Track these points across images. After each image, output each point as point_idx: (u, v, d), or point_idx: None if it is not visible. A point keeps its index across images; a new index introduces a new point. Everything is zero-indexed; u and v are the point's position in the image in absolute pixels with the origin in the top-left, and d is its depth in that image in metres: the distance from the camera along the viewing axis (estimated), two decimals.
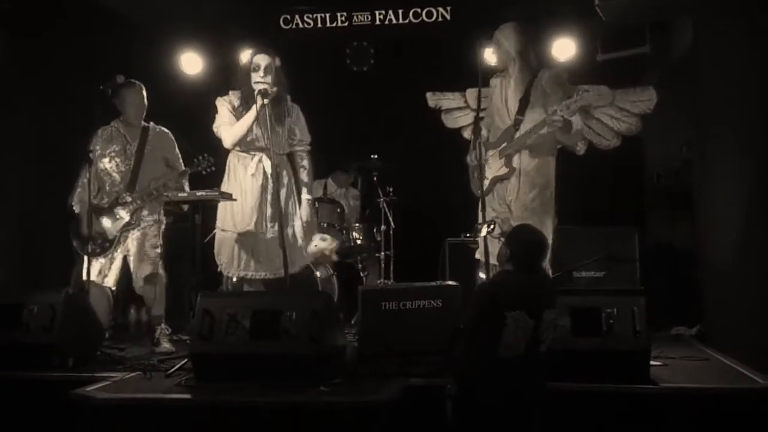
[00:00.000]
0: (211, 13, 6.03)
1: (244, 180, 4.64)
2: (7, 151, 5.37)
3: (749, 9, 4.19)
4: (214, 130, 4.72)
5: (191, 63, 6.21)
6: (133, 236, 4.83)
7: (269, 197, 4.62)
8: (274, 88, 4.55)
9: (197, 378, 3.69)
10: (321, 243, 5.44)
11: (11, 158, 5.39)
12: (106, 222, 4.79)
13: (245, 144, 4.66)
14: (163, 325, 4.71)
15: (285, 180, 4.70)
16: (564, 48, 5.83)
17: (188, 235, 5.10)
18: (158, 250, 4.87)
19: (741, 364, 3.94)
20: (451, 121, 5.55)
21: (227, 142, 4.67)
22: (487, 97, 4.81)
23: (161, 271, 4.87)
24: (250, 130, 4.59)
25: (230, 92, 4.74)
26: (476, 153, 4.58)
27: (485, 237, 4.21)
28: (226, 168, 4.76)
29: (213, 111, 4.76)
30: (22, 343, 3.99)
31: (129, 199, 4.79)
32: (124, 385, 3.70)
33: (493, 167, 4.61)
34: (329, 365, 3.64)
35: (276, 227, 4.56)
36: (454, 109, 5.56)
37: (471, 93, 5.38)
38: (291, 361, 3.56)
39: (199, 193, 4.58)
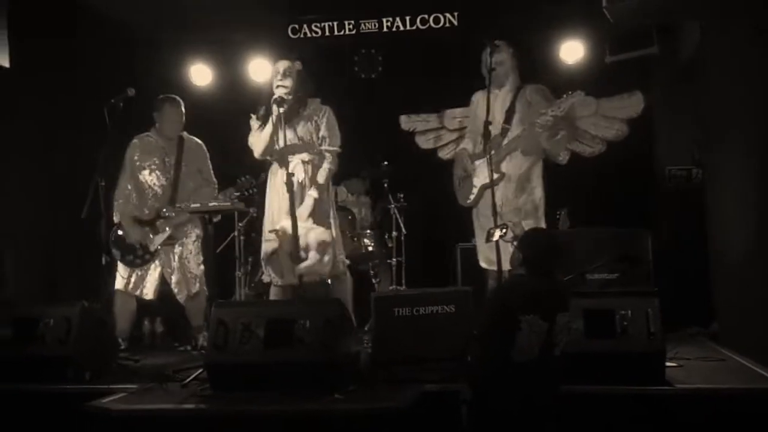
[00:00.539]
0: (220, 24, 6.06)
1: (281, 187, 4.69)
2: (20, 163, 5.41)
3: (755, 11, 4.18)
4: (249, 144, 4.87)
5: (201, 74, 6.25)
6: (175, 252, 4.92)
7: (301, 201, 4.68)
8: (289, 97, 4.58)
9: (212, 388, 3.70)
10: None
11: (24, 170, 5.44)
12: (148, 234, 4.86)
13: (277, 152, 4.73)
14: (205, 333, 4.73)
15: (315, 188, 4.75)
16: (572, 51, 5.83)
17: (202, 245, 5.15)
18: (202, 267, 5.00)
19: (757, 364, 3.92)
20: (425, 143, 5.66)
21: (255, 153, 4.82)
22: (468, 116, 5.21)
23: (204, 286, 4.96)
24: (277, 138, 4.64)
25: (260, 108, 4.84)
26: (464, 162, 4.78)
27: (497, 241, 4.22)
28: (267, 179, 4.86)
29: (237, 127, 4.94)
30: (38, 355, 4.01)
31: (173, 213, 4.87)
32: (139, 396, 3.72)
33: (481, 176, 4.86)
34: (343, 372, 3.65)
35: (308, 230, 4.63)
36: (429, 131, 5.65)
37: (449, 114, 5.54)
38: (305, 369, 3.57)
39: (211, 204, 4.62)
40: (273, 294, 4.79)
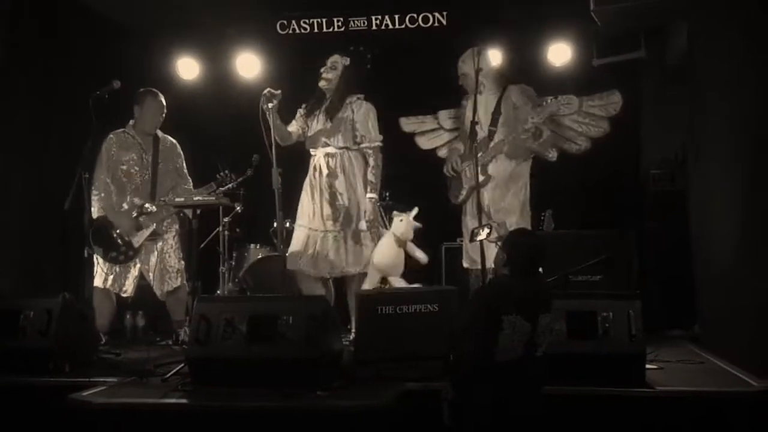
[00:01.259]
0: (208, 19, 6.03)
1: (311, 177, 4.92)
2: (4, 153, 5.37)
3: (743, 13, 4.21)
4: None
5: (188, 68, 6.22)
6: (155, 248, 4.91)
7: (327, 195, 4.79)
8: (279, 93, 4.58)
9: (194, 382, 3.69)
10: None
11: (11, 161, 5.39)
12: (131, 231, 4.82)
13: (310, 141, 4.94)
14: (186, 327, 4.74)
15: (342, 177, 4.84)
16: (560, 53, 5.84)
17: (185, 240, 5.13)
18: (183, 262, 4.99)
19: (736, 367, 3.96)
20: (425, 143, 5.73)
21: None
22: (459, 117, 5.41)
23: (185, 281, 4.96)
24: (308, 128, 4.92)
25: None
26: (453, 161, 4.92)
27: (482, 242, 4.24)
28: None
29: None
30: (18, 348, 4.00)
31: (154, 209, 4.85)
32: (120, 390, 3.70)
33: (470, 177, 5.02)
34: (326, 370, 3.65)
35: (336, 226, 4.79)
36: (428, 132, 5.73)
37: (443, 114, 5.68)
38: (288, 365, 3.57)
39: (197, 198, 4.61)
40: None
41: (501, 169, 5.04)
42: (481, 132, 4.95)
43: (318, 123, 4.94)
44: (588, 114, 5.22)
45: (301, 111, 5.05)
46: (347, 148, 4.90)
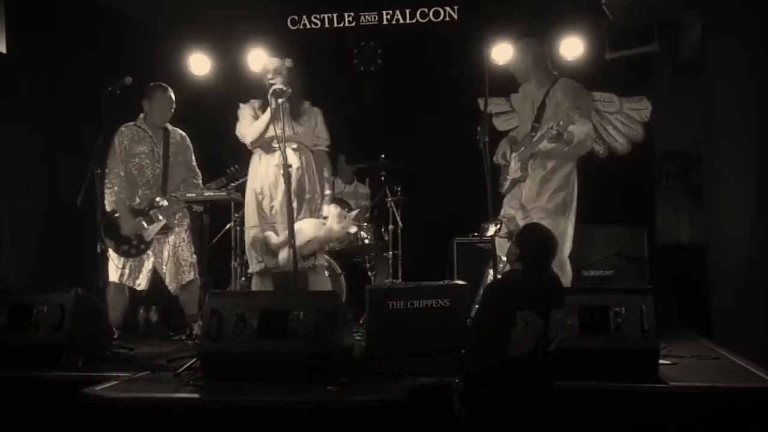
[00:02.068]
0: (219, 14, 6.04)
1: (268, 175, 4.76)
2: (16, 149, 5.40)
3: (755, 8, 4.17)
4: (237, 134, 4.88)
5: (199, 64, 6.23)
6: (167, 241, 4.93)
7: (296, 188, 4.71)
8: (288, 89, 4.59)
9: (206, 377, 3.70)
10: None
11: (20, 157, 5.43)
12: (143, 224, 4.84)
13: (266, 144, 4.79)
14: (199, 322, 4.73)
15: (309, 174, 4.82)
16: (572, 47, 5.81)
17: (197, 235, 5.15)
18: (195, 256, 5.00)
19: (751, 362, 3.92)
20: (501, 124, 5.71)
21: (247, 139, 4.82)
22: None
23: (197, 275, 4.97)
24: (269, 129, 4.70)
25: (251, 100, 4.89)
26: (505, 150, 4.90)
27: (493, 236, 4.22)
28: (250, 167, 4.87)
29: (235, 117, 4.90)
30: (31, 342, 4.02)
31: (166, 203, 4.86)
32: (133, 384, 3.71)
33: (513, 170, 4.92)
34: (337, 364, 3.64)
35: (302, 217, 4.71)
36: (503, 113, 5.69)
37: (514, 97, 5.50)
38: (299, 360, 3.57)
39: (207, 194, 4.62)
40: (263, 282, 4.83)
41: (539, 167, 4.78)
42: (526, 126, 4.87)
43: (283, 125, 4.69)
44: (628, 116, 5.12)
45: (248, 113, 4.88)
46: (308, 147, 4.89)
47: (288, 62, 4.79)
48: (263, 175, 4.78)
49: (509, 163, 5.00)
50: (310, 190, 4.84)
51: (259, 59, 6.05)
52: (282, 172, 4.52)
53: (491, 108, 5.67)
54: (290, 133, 4.74)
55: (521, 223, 4.54)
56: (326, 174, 4.99)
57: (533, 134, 4.81)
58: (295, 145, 4.78)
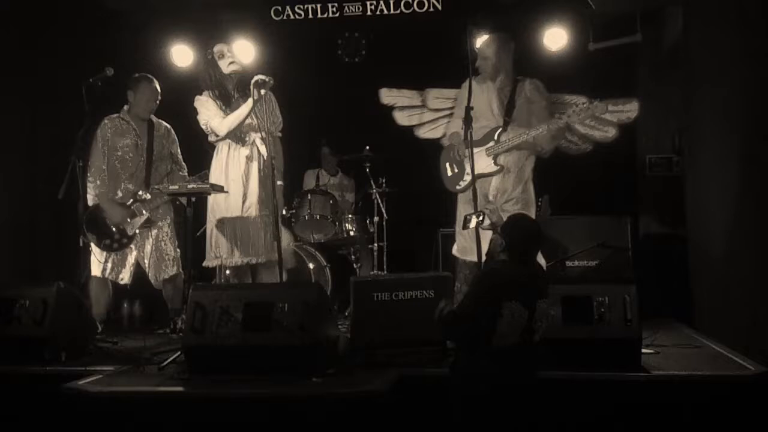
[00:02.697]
0: (202, 5, 6.00)
1: (237, 166, 4.72)
2: None
3: None
4: (203, 125, 4.81)
5: (182, 55, 6.18)
6: (150, 235, 4.89)
7: (263, 180, 4.69)
8: (271, 79, 4.56)
9: (190, 371, 3.69)
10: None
11: (1, 148, 5.37)
12: (126, 218, 4.80)
13: (235, 135, 4.73)
14: (183, 316, 4.71)
15: (276, 162, 4.78)
16: (556, 38, 5.82)
17: (180, 228, 5.12)
18: (179, 250, 4.97)
19: (732, 351, 3.96)
20: (403, 119, 5.60)
21: (221, 131, 4.75)
22: (456, 99, 5.20)
23: (181, 269, 4.94)
24: (258, 122, 4.67)
25: (204, 92, 4.82)
26: (458, 148, 4.86)
27: (476, 228, 4.22)
28: (216, 157, 4.80)
29: (194, 110, 4.84)
30: (14, 336, 3.98)
31: (149, 196, 4.83)
32: (116, 378, 3.70)
33: (478, 165, 4.79)
34: (322, 356, 3.64)
35: (265, 211, 4.70)
36: (408, 107, 5.60)
37: (432, 92, 5.51)
38: (284, 352, 3.57)
39: (190, 186, 4.59)
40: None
41: (514, 160, 4.89)
42: (493, 122, 4.87)
43: (253, 115, 4.72)
44: (598, 118, 5.09)
45: (211, 103, 4.81)
46: (270, 135, 4.84)
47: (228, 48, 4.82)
48: (234, 166, 4.73)
49: (463, 160, 4.97)
50: (279, 179, 4.84)
51: (243, 50, 6.03)
52: (257, 162, 4.54)
53: (396, 101, 5.62)
54: (251, 122, 4.71)
55: (503, 215, 4.57)
56: (280, 164, 4.91)
57: (505, 129, 4.85)
58: (262, 134, 4.72)
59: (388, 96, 5.56)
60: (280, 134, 4.98)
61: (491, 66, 4.91)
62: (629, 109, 5.07)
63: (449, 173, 5.11)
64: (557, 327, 3.54)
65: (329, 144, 6.57)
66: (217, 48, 4.82)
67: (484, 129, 4.85)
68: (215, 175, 4.76)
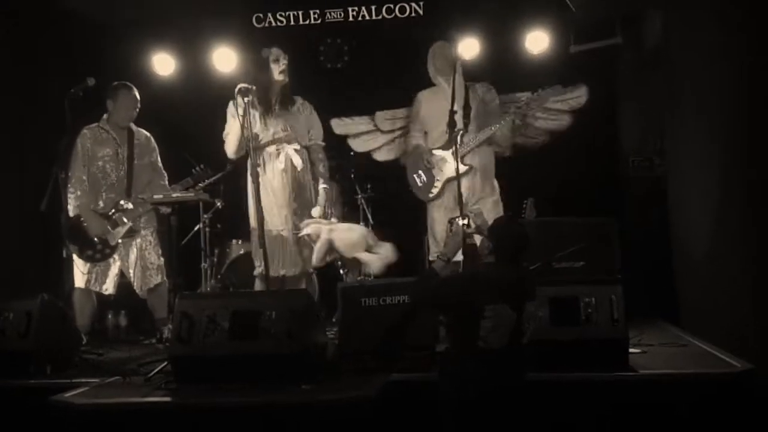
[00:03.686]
0: (183, 13, 5.98)
1: (274, 177, 4.75)
2: None
3: (716, 1, 4.24)
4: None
5: (164, 64, 6.16)
6: (134, 244, 4.85)
7: (296, 191, 4.78)
8: (253, 87, 4.55)
9: (177, 381, 3.66)
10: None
11: None
12: (108, 228, 4.76)
13: (265, 142, 4.77)
14: (169, 325, 4.68)
15: (308, 172, 4.89)
16: (537, 40, 5.85)
17: (165, 237, 5.09)
18: (162, 258, 4.93)
19: (718, 348, 3.99)
20: (359, 145, 5.68)
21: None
22: (411, 115, 5.37)
23: (165, 278, 4.92)
24: (266, 127, 4.72)
25: (238, 98, 4.65)
26: (426, 157, 4.96)
27: (462, 231, 4.22)
28: (251, 168, 4.66)
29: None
30: None
31: (130, 205, 4.79)
32: (103, 390, 3.67)
33: (447, 169, 4.96)
34: (310, 363, 3.63)
35: (290, 224, 4.77)
36: (363, 134, 5.68)
37: (381, 115, 5.61)
38: (271, 360, 3.55)
39: (175, 195, 4.57)
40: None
41: (480, 159, 5.10)
42: (452, 127, 4.94)
43: (279, 125, 4.79)
44: (548, 109, 5.24)
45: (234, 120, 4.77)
46: (303, 147, 4.92)
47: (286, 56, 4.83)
48: (270, 176, 4.76)
49: (431, 168, 5.12)
50: (311, 188, 4.89)
51: (224, 58, 6.02)
52: (291, 172, 4.63)
53: (349, 129, 5.72)
54: (287, 133, 4.78)
55: (489, 217, 4.60)
56: (321, 169, 4.96)
57: (466, 130, 4.96)
58: (297, 146, 4.81)
59: (339, 126, 5.67)
60: (322, 143, 5.01)
61: (443, 70, 5.09)
62: (578, 95, 5.18)
63: (419, 183, 5.26)
64: (545, 328, 3.55)
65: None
66: (274, 51, 4.81)
67: (445, 135, 4.93)
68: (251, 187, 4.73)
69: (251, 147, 4.45)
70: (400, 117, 5.48)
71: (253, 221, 4.75)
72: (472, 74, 5.30)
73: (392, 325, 3.49)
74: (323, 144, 5.03)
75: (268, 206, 4.67)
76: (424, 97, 5.28)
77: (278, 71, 4.78)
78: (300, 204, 4.81)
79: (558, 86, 5.13)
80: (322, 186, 4.91)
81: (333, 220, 5.10)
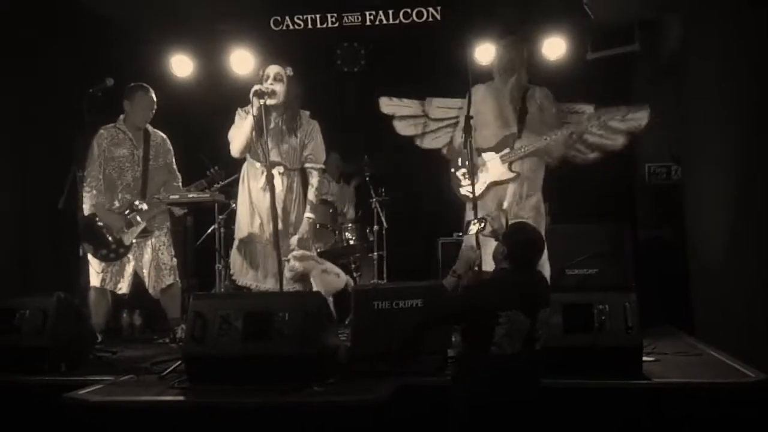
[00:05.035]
0: (202, 15, 6.02)
1: (257, 193, 4.70)
2: None
3: (737, 5, 4.22)
4: (228, 138, 4.82)
5: (181, 65, 6.21)
6: (148, 245, 4.88)
7: (280, 213, 4.62)
8: (270, 89, 4.55)
9: (190, 380, 3.68)
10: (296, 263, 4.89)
11: (1, 158, 5.37)
12: (122, 228, 4.80)
13: (255, 154, 4.70)
14: (183, 325, 4.69)
15: (295, 195, 4.76)
16: (554, 47, 5.84)
17: (179, 238, 5.12)
18: (175, 259, 4.95)
19: (733, 358, 3.96)
20: (404, 128, 5.52)
21: (232, 150, 4.76)
22: (462, 108, 4.97)
23: (178, 278, 4.94)
24: (257, 139, 4.59)
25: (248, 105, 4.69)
26: (465, 155, 4.75)
27: (476, 234, 4.22)
28: (241, 177, 4.82)
29: (220, 118, 4.88)
30: (14, 347, 3.97)
31: (145, 206, 4.81)
32: (117, 388, 3.68)
33: (493, 172, 4.81)
34: (322, 365, 3.64)
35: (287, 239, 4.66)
36: (409, 117, 5.54)
37: (433, 102, 5.45)
38: (284, 361, 3.56)
39: (190, 196, 4.59)
40: None
41: (530, 168, 4.82)
42: (506, 128, 4.85)
43: (273, 140, 4.67)
44: (607, 127, 5.04)
45: (240, 117, 4.75)
46: (293, 169, 4.80)
47: (289, 70, 4.74)
48: (254, 190, 4.72)
49: (477, 167, 4.92)
50: (296, 212, 4.77)
51: (242, 60, 6.06)
52: (266, 181, 4.46)
53: (396, 110, 5.56)
54: (275, 158, 4.63)
55: (528, 220, 4.57)
56: (311, 195, 4.79)
57: (519, 136, 4.78)
58: (281, 169, 4.70)
59: (388, 105, 5.52)
60: (320, 166, 4.85)
61: (507, 67, 4.82)
62: (640, 117, 5.02)
63: (462, 183, 5.05)
64: (558, 335, 3.54)
65: (339, 151, 6.54)
66: (268, 68, 4.72)
67: (497, 135, 4.78)
68: (240, 195, 4.78)
69: (267, 152, 4.43)
70: (452, 107, 5.33)
71: (244, 231, 4.75)
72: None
73: (406, 339, 3.45)
74: (321, 167, 4.86)
75: (253, 218, 4.70)
76: (479, 92, 4.94)
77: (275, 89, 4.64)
78: (284, 226, 4.68)
79: (623, 107, 4.97)
80: (306, 215, 4.77)
81: (314, 251, 5.02)
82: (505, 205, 4.74)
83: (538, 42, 5.82)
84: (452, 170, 5.09)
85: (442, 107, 5.42)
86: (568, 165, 5.17)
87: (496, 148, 4.81)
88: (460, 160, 5.02)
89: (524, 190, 4.79)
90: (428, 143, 5.47)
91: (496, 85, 4.86)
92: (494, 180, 4.81)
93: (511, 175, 4.77)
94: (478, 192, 4.89)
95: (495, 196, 4.74)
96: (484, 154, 4.89)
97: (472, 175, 4.54)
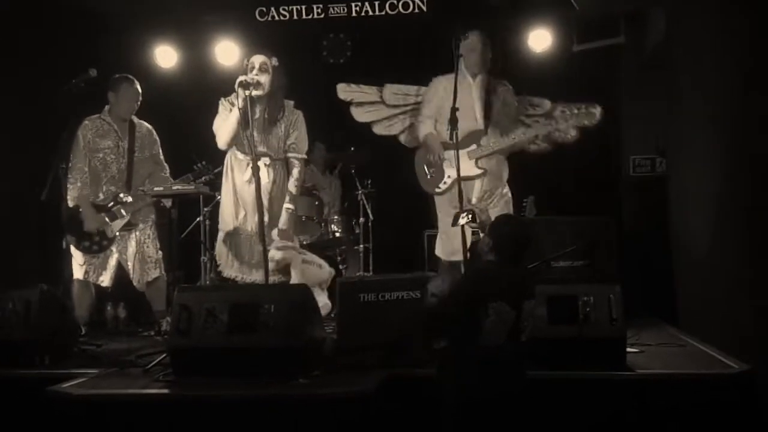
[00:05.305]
0: (186, 6, 5.97)
1: (242, 185, 4.71)
2: None
3: (719, 0, 4.24)
4: (213, 129, 4.82)
5: (166, 56, 6.16)
6: (132, 237, 4.84)
7: (266, 204, 4.63)
8: (255, 80, 4.53)
9: (175, 373, 3.67)
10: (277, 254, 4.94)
11: None
12: (106, 220, 4.76)
13: (241, 146, 4.68)
14: (168, 318, 4.68)
15: (280, 186, 4.77)
16: (540, 39, 5.85)
17: (164, 230, 5.10)
18: (161, 252, 4.92)
19: (716, 349, 3.99)
20: (360, 115, 5.51)
21: (218, 142, 4.78)
22: (424, 99, 5.16)
23: (163, 271, 4.92)
24: (243, 131, 4.57)
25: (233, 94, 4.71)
26: (437, 149, 4.87)
27: (463, 226, 4.24)
28: (224, 168, 4.82)
29: (207, 109, 4.89)
30: None
31: (130, 198, 4.78)
32: (101, 381, 3.67)
33: (462, 167, 4.77)
34: (308, 358, 3.64)
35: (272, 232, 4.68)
36: (366, 103, 5.53)
37: (390, 88, 5.45)
38: (269, 354, 3.55)
39: (175, 188, 4.57)
40: None
41: (496, 163, 4.98)
42: (469, 121, 4.86)
43: (257, 131, 4.69)
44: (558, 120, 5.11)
45: (225, 108, 4.79)
46: (278, 159, 4.82)
47: (275, 60, 4.72)
48: (239, 182, 4.73)
49: (442, 162, 4.98)
50: (281, 204, 4.79)
51: (227, 51, 6.02)
52: (251, 173, 4.45)
53: (353, 96, 5.52)
54: (261, 149, 4.65)
55: (492, 215, 4.59)
56: (291, 186, 4.82)
57: (485, 132, 4.88)
58: (267, 161, 4.71)
59: (345, 91, 5.53)
60: (302, 156, 4.87)
61: (476, 62, 4.89)
62: (591, 115, 5.10)
63: (427, 176, 5.11)
64: (543, 327, 3.55)
65: (324, 141, 6.53)
66: (252, 57, 4.76)
67: (463, 130, 4.78)
68: (223, 187, 4.81)
69: (252, 144, 4.42)
70: (408, 93, 5.33)
71: (229, 223, 4.76)
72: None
73: (424, 328, 3.42)
74: (303, 157, 4.88)
75: (236, 209, 4.73)
76: (441, 83, 5.02)
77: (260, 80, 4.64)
78: (270, 217, 4.69)
79: (579, 103, 5.02)
80: (285, 206, 4.78)
81: (296, 242, 5.02)
82: (474, 200, 4.80)
83: (518, 35, 5.83)
84: (417, 165, 5.14)
85: (397, 93, 5.42)
86: (547, 157, 5.24)
87: (463, 144, 4.80)
88: (422, 154, 5.08)
89: (490, 185, 4.93)
90: (382, 130, 5.47)
91: (463, 79, 4.87)
92: (462, 176, 4.84)
93: (479, 171, 4.86)
94: (444, 188, 4.97)
95: (464, 192, 4.74)
96: (450, 150, 4.90)
97: (456, 165, 4.55)
